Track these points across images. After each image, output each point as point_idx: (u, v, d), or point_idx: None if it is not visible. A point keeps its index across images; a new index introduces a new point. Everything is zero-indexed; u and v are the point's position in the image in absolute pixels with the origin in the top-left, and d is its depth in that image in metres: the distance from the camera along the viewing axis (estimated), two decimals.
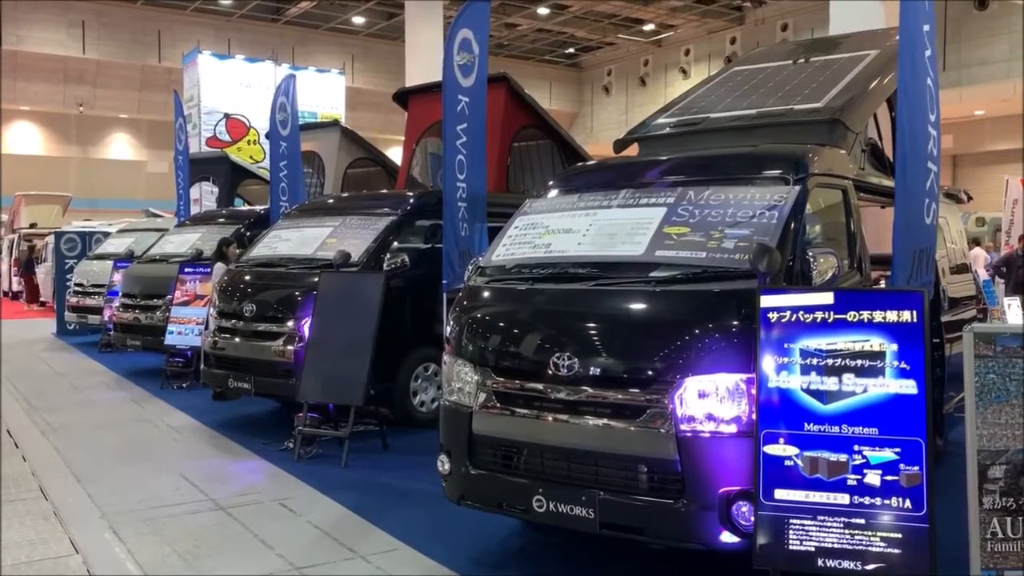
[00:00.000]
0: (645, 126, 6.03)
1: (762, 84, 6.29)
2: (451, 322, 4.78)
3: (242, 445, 7.49)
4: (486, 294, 4.72)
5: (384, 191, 10.14)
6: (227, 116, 22.71)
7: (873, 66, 6.03)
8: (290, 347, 7.51)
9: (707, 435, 3.77)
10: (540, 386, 4.17)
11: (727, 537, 3.77)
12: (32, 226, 26.79)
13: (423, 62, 21.45)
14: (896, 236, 4.42)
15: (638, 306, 4.12)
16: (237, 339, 7.94)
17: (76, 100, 32.05)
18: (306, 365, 7.06)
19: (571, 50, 37.36)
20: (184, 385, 10.27)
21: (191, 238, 11.69)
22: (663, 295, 4.08)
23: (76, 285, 15.13)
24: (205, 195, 19.77)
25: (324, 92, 24.05)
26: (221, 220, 12.06)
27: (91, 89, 32.19)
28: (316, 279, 7.49)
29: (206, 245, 11.23)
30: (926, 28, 4.62)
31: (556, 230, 4.78)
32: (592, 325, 4.17)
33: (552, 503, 4.10)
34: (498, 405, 4.33)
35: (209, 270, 10.18)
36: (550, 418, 4.14)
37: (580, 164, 5.45)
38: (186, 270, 10.57)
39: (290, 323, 7.60)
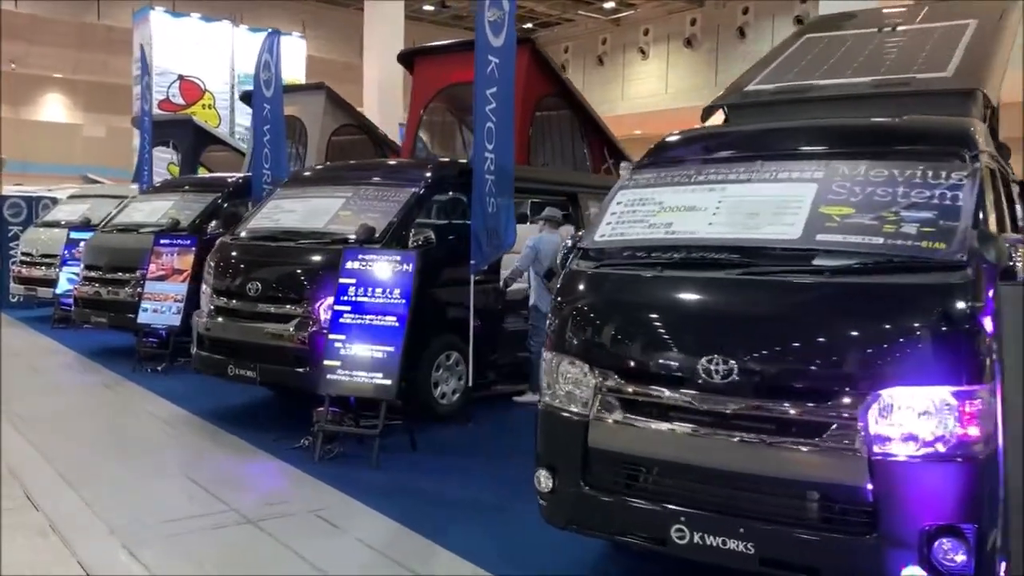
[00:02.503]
0: (735, 93, 5.36)
1: (855, 53, 5.67)
2: (552, 313, 4.06)
3: (246, 440, 6.65)
4: (599, 281, 4.00)
5: (401, 160, 9.30)
6: (181, 78, 21.38)
7: (979, 35, 5.46)
8: (303, 331, 6.68)
9: (907, 459, 3.14)
10: (684, 394, 3.49)
11: None
12: None
13: (383, 33, 20.67)
14: None
15: (811, 301, 3.45)
16: (238, 321, 7.08)
17: (7, 57, 30.10)
18: (327, 353, 6.26)
19: (529, 25, 36.47)
20: (159, 368, 9.33)
21: (163, 206, 10.65)
22: (843, 288, 3.42)
23: (23, 254, 13.91)
24: (158, 161, 18.49)
25: (283, 57, 22.71)
26: (195, 188, 11.04)
27: (24, 46, 30.30)
28: (333, 255, 6.70)
29: (182, 214, 10.25)
30: None
31: (675, 207, 4.09)
32: (752, 322, 3.49)
33: (697, 534, 3.43)
34: (626, 414, 3.64)
35: (189, 242, 9.27)
36: (697, 432, 3.47)
37: (693, 130, 4.76)
38: (162, 242, 9.61)
39: (303, 304, 6.76)
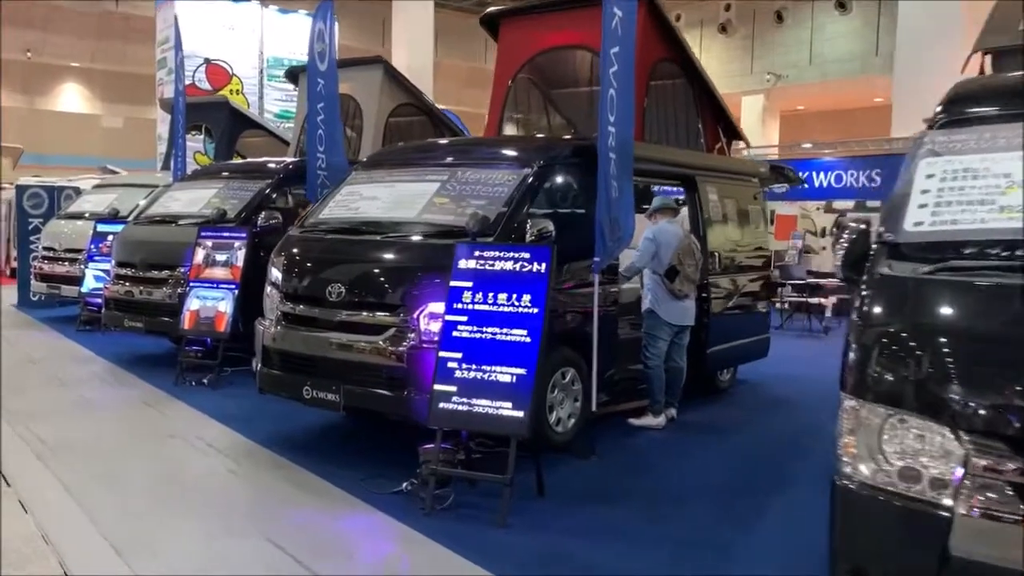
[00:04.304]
0: (1005, 36, 4.01)
1: None
2: (855, 340, 2.72)
3: (328, 480, 5.33)
4: (945, 295, 2.65)
5: (506, 137, 7.96)
6: (207, 61, 20.04)
7: None
8: (400, 346, 5.36)
9: None
10: None
11: None
12: None
13: (411, 20, 19.39)
14: None
15: None
16: (314, 332, 5.76)
17: (24, 45, 28.97)
18: (438, 375, 4.94)
19: None
20: (205, 381, 8.05)
21: (205, 195, 9.36)
22: None
23: (45, 249, 12.64)
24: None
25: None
26: (240, 174, 9.73)
27: (41, 34, 29.18)
28: (437, 252, 5.41)
29: (227, 204, 8.97)
30: None
31: None
32: None
33: None
34: None
35: (244, 234, 7.99)
36: None
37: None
38: (207, 235, 8.33)
39: (399, 312, 5.44)
